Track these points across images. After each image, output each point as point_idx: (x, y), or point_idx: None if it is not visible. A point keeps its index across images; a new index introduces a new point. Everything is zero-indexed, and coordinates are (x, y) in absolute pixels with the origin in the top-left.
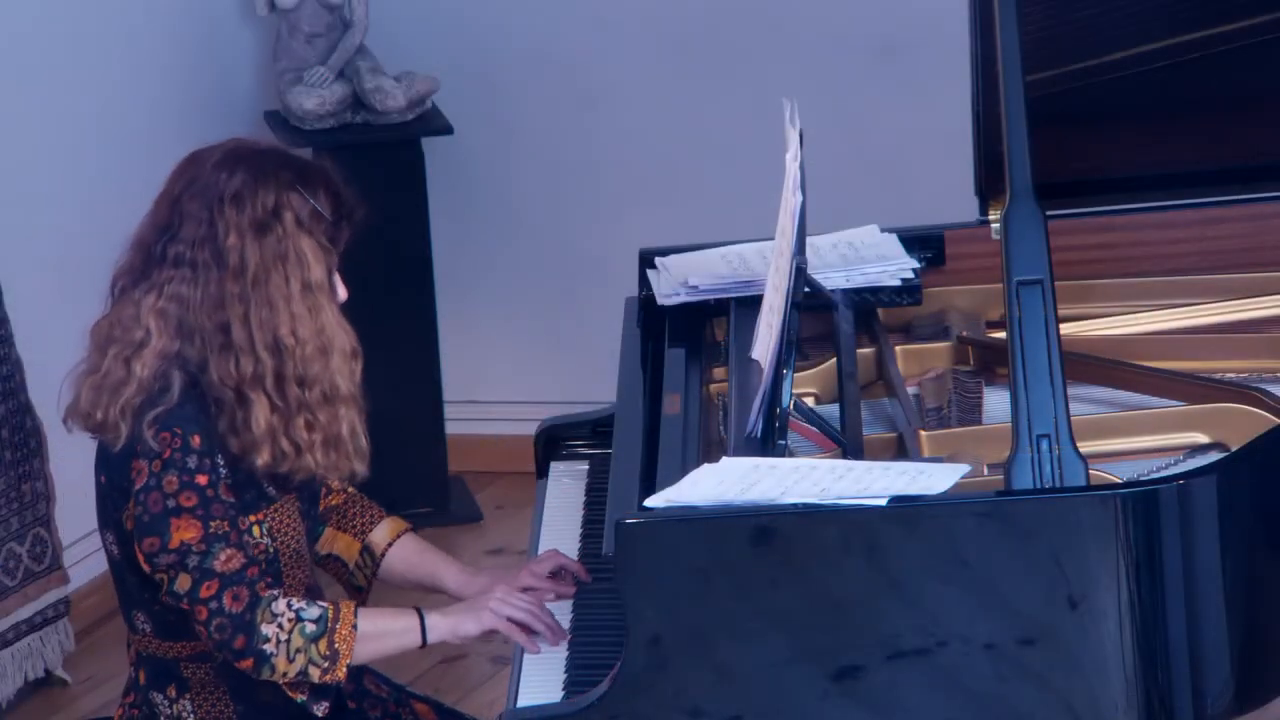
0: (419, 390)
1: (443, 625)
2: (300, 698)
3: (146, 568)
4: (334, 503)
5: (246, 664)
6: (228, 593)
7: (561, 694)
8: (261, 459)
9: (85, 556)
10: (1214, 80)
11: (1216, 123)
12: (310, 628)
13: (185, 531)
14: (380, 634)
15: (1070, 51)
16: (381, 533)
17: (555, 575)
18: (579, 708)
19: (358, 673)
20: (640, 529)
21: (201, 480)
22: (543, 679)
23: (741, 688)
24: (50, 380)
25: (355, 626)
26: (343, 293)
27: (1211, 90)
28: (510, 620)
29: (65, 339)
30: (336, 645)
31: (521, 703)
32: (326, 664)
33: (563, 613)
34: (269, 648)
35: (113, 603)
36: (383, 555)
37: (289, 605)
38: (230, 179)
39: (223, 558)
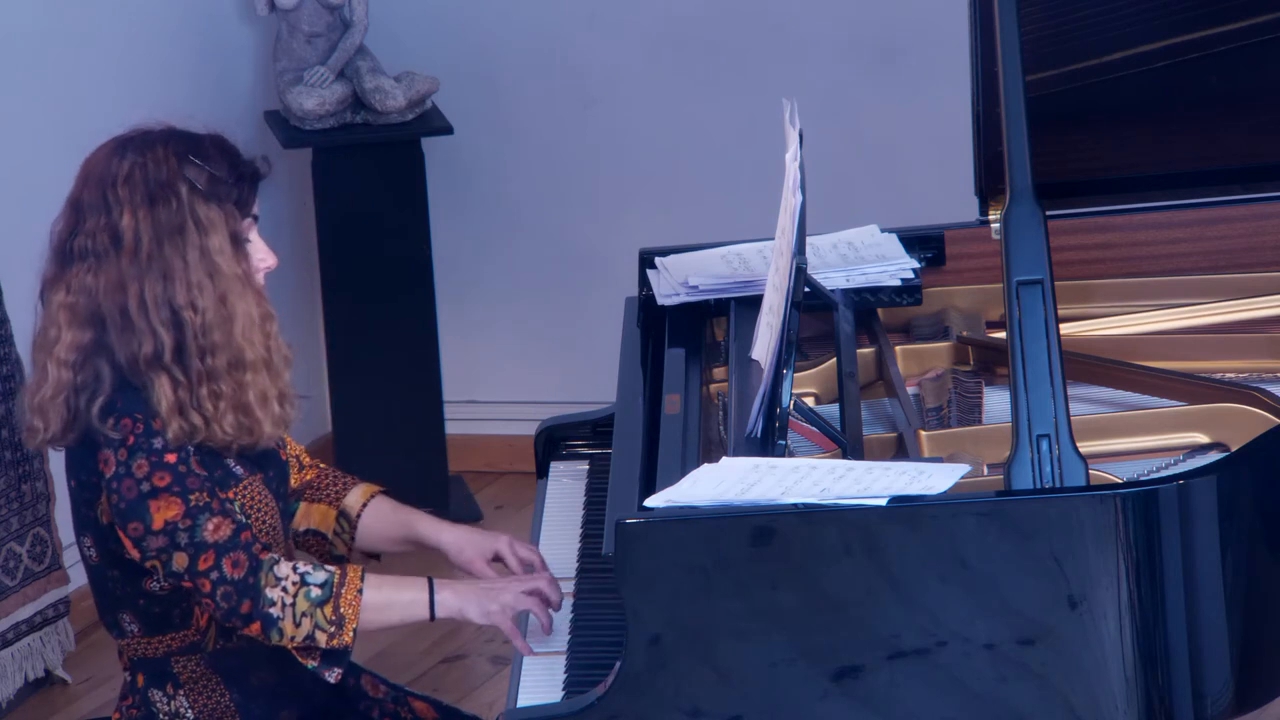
0: (419, 390)
1: (452, 604)
2: (311, 664)
3: (136, 554)
4: (307, 478)
5: (254, 628)
6: (226, 560)
7: (561, 694)
8: (171, 433)
9: None
10: (1214, 80)
11: (1217, 123)
12: (315, 592)
13: (167, 510)
14: (386, 604)
15: (1070, 51)
16: (355, 496)
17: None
18: (579, 708)
19: (356, 673)
20: (640, 529)
21: (171, 459)
22: (543, 679)
23: (741, 688)
24: None
25: (361, 591)
26: (270, 259)
27: (1212, 90)
28: (514, 621)
29: None
30: (342, 610)
31: (521, 702)
32: (333, 629)
33: (563, 612)
34: (275, 611)
35: None
36: (358, 516)
37: (294, 569)
38: (121, 162)
39: (210, 527)
